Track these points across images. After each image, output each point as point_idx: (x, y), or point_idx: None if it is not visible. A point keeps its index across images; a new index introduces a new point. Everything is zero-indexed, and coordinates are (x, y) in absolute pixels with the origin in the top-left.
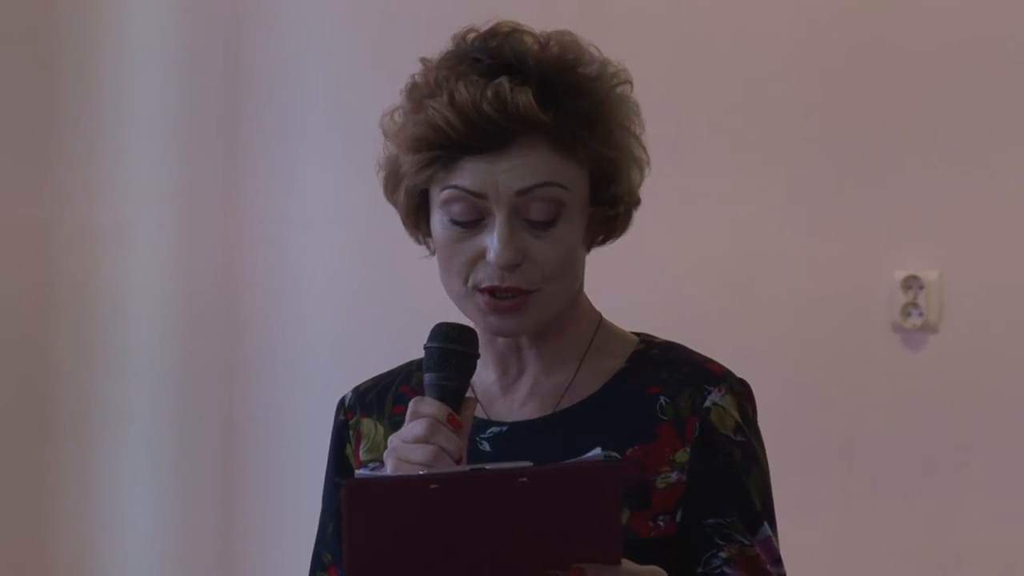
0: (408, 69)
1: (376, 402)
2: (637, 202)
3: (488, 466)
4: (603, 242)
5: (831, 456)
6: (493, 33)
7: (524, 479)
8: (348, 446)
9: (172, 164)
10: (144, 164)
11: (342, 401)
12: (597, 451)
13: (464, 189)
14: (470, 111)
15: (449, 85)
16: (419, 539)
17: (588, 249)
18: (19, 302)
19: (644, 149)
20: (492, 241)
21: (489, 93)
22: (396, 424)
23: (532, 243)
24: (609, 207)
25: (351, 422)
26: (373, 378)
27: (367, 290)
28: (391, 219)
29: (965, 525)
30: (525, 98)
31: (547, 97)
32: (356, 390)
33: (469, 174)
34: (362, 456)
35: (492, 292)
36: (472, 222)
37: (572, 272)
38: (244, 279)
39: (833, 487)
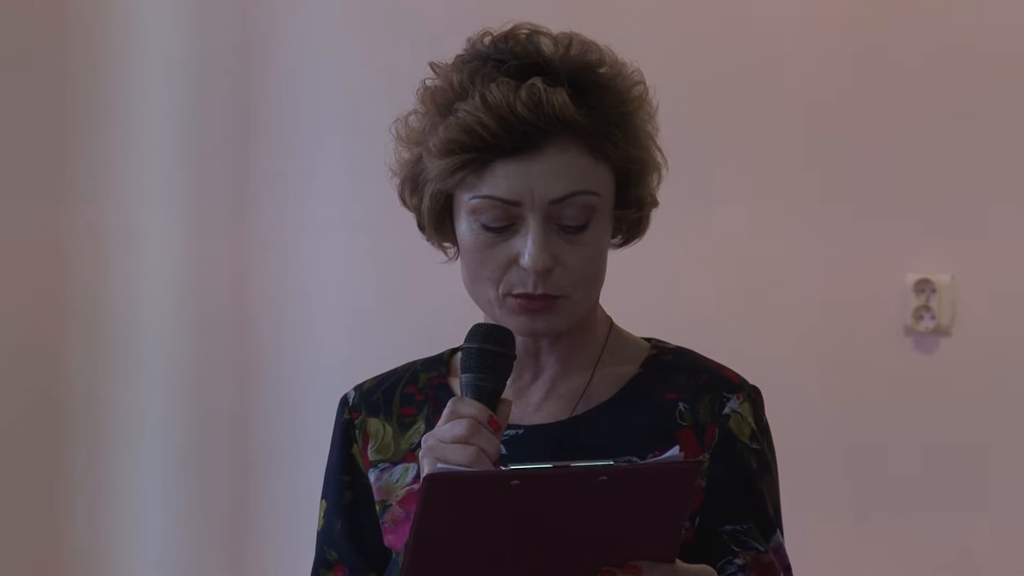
0: (420, 74)
1: (383, 402)
2: (655, 204)
3: (573, 464)
4: (621, 245)
5: (841, 459)
6: (513, 35)
7: (604, 477)
8: (355, 445)
9: (184, 168)
10: (156, 168)
11: (345, 399)
12: (675, 450)
13: (499, 199)
14: (504, 112)
15: (479, 87)
16: (486, 532)
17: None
18: (32, 306)
19: (661, 151)
20: (527, 246)
21: (523, 94)
22: (405, 425)
23: (564, 248)
24: (635, 209)
25: (356, 421)
26: (375, 377)
27: (377, 294)
28: (401, 224)
29: (978, 530)
30: (561, 98)
31: (579, 97)
32: (359, 389)
33: (502, 180)
34: (371, 456)
35: (524, 297)
36: (503, 227)
37: (600, 276)
38: (255, 283)
39: (843, 490)
